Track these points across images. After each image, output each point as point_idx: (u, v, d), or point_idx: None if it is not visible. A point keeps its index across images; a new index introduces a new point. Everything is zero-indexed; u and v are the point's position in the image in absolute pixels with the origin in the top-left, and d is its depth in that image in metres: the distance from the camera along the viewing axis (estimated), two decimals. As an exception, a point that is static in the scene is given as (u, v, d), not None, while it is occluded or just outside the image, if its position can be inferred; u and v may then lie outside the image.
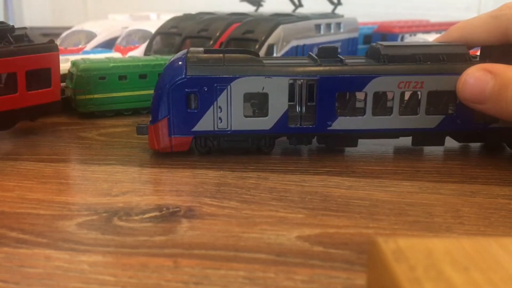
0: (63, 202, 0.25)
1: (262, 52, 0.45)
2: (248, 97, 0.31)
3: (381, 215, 0.24)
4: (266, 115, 0.31)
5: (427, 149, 0.34)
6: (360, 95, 0.32)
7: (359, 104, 0.32)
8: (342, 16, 0.65)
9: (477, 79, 0.29)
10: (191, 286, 0.18)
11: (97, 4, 1.38)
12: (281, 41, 0.48)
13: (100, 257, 0.20)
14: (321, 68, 0.31)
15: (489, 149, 0.34)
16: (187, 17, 0.55)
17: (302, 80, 0.31)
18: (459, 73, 0.30)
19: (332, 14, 0.64)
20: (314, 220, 0.23)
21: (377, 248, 0.15)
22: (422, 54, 0.31)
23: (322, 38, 0.57)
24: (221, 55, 0.31)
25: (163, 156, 0.32)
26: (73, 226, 0.22)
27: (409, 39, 0.71)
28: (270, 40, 0.46)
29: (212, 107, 0.30)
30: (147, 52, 0.52)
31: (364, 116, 0.32)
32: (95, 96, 0.42)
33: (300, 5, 0.67)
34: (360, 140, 0.33)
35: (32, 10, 1.42)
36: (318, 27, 0.56)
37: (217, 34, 0.48)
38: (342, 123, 0.31)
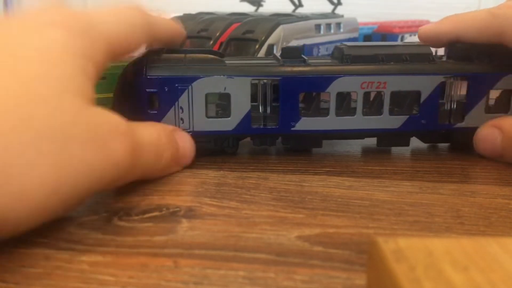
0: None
1: (262, 52, 0.45)
2: (211, 98, 0.31)
3: (381, 215, 0.24)
4: (228, 115, 0.31)
5: (427, 149, 0.34)
6: (324, 96, 0.32)
7: (323, 105, 0.32)
8: (342, 16, 0.65)
9: (486, 136, 0.31)
10: (191, 286, 0.18)
11: (98, 4, 1.38)
12: (281, 41, 0.48)
13: (100, 257, 0.20)
14: (283, 69, 0.31)
15: (454, 150, 0.34)
16: (187, 17, 0.55)
17: (264, 81, 0.31)
18: (422, 73, 0.31)
19: (332, 14, 0.64)
20: (314, 220, 0.23)
21: (377, 248, 0.15)
22: (385, 55, 0.31)
23: (322, 38, 0.57)
24: (182, 55, 0.31)
25: (163, 156, 0.32)
26: (73, 226, 0.22)
27: (409, 39, 0.71)
28: (270, 40, 0.46)
29: (173, 108, 0.30)
30: (147, 52, 0.52)
31: (328, 117, 0.31)
32: (95, 96, 0.42)
33: (300, 5, 0.67)
34: (359, 140, 0.33)
35: (32, 10, 1.42)
36: (318, 27, 0.56)
37: (217, 34, 0.48)
38: (305, 123, 0.31)
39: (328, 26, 0.59)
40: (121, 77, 0.31)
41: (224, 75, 0.30)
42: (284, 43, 0.48)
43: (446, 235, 0.22)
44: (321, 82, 0.31)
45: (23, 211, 0.19)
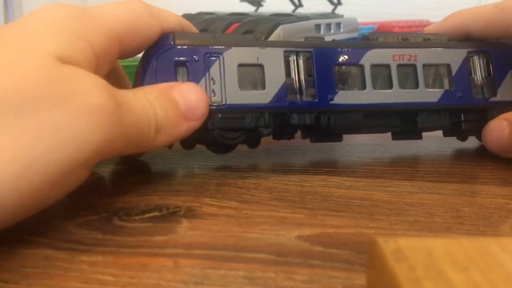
0: (63, 202, 0.25)
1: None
2: (243, 69, 0.29)
3: (381, 215, 0.24)
4: (263, 88, 0.29)
5: (427, 149, 0.34)
6: (358, 70, 0.31)
7: (359, 79, 0.31)
8: (342, 16, 0.65)
9: (494, 128, 0.30)
10: (191, 286, 0.18)
11: (98, 4, 1.38)
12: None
13: (100, 257, 0.20)
14: (314, 42, 0.31)
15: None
16: (187, 17, 0.55)
17: (297, 52, 0.30)
18: (448, 46, 0.32)
19: (332, 14, 0.64)
20: (314, 220, 0.23)
21: (377, 248, 0.15)
22: (410, 35, 0.33)
23: (322, 38, 0.57)
24: (211, 33, 0.31)
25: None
26: (73, 226, 0.22)
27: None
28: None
29: (204, 79, 0.28)
30: (147, 52, 0.52)
31: (365, 90, 0.31)
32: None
33: (300, 5, 0.67)
34: (359, 140, 0.33)
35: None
36: (318, 27, 0.56)
37: (217, 34, 0.48)
38: (343, 97, 0.30)
39: (328, 26, 0.59)
40: (146, 51, 0.29)
41: (256, 46, 0.29)
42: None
43: (446, 235, 0.22)
44: (353, 54, 0.31)
45: None
